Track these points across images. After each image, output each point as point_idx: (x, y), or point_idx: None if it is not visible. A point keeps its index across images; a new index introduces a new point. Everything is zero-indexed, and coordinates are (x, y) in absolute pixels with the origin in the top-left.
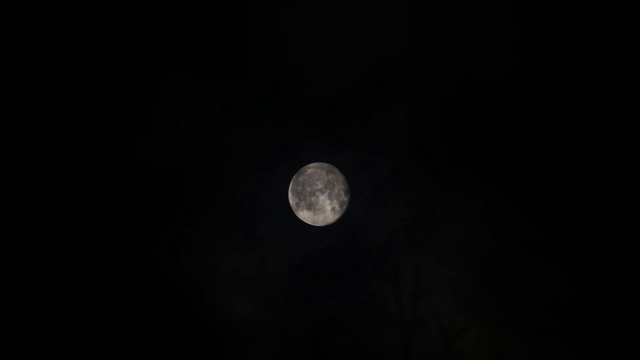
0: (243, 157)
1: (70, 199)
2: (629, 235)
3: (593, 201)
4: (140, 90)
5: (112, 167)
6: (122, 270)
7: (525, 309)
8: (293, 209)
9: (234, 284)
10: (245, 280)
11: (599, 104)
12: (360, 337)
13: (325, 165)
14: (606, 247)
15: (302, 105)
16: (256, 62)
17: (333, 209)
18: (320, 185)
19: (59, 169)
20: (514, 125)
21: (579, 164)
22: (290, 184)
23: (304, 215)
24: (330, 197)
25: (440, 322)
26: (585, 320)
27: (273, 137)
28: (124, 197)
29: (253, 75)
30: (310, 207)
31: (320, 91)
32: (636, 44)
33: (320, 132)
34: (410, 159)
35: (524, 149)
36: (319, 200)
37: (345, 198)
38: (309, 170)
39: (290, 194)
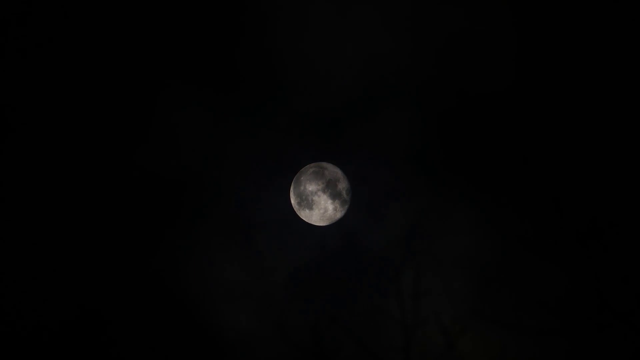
0: (240, 167)
1: (69, 209)
2: (629, 235)
3: (593, 201)
4: (139, 100)
5: (110, 177)
6: (121, 281)
7: (525, 309)
8: (295, 209)
9: (234, 290)
10: (246, 284)
11: (598, 105)
12: (361, 337)
13: (327, 164)
14: (606, 247)
15: (299, 116)
16: (255, 72)
17: (335, 209)
18: (322, 185)
19: (57, 179)
20: (513, 125)
21: (578, 164)
22: (292, 184)
23: (305, 214)
24: (332, 196)
25: (441, 322)
26: (586, 320)
27: (270, 147)
28: (122, 208)
29: (250, 86)
30: (311, 206)
31: (316, 102)
32: (632, 56)
33: (318, 142)
34: (409, 169)
35: (524, 149)
36: (320, 199)
37: (346, 197)
38: (311, 170)
39: (291, 194)
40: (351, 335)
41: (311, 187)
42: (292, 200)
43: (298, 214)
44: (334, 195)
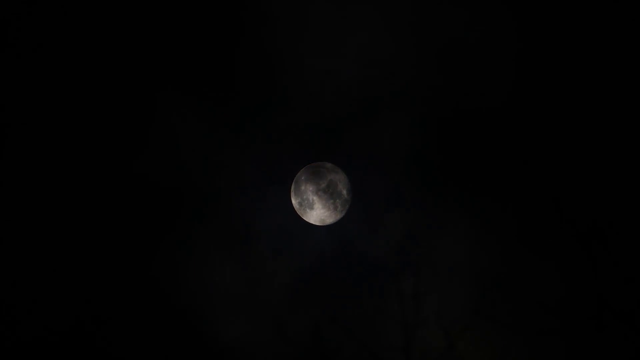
0: (239, 171)
1: (68, 214)
2: (629, 236)
3: (593, 202)
4: (137, 107)
5: (108, 184)
6: (120, 286)
7: (525, 309)
8: (295, 209)
9: (234, 292)
10: (246, 287)
11: (598, 106)
12: (362, 337)
13: (328, 164)
14: (606, 248)
15: (296, 126)
16: (255, 75)
17: (336, 208)
18: (322, 185)
19: (56, 185)
20: (513, 126)
21: (578, 165)
22: (292, 184)
23: (306, 214)
24: (332, 196)
25: (441, 322)
26: (585, 321)
27: (269, 152)
28: (122, 215)
29: (249, 90)
30: (312, 206)
31: (315, 109)
32: (632, 58)
33: (316, 148)
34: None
35: (524, 151)
36: (321, 199)
37: (347, 197)
38: (311, 170)
39: (292, 194)
40: (351, 335)
41: (312, 187)
42: (293, 201)
43: (299, 214)
44: (335, 195)
